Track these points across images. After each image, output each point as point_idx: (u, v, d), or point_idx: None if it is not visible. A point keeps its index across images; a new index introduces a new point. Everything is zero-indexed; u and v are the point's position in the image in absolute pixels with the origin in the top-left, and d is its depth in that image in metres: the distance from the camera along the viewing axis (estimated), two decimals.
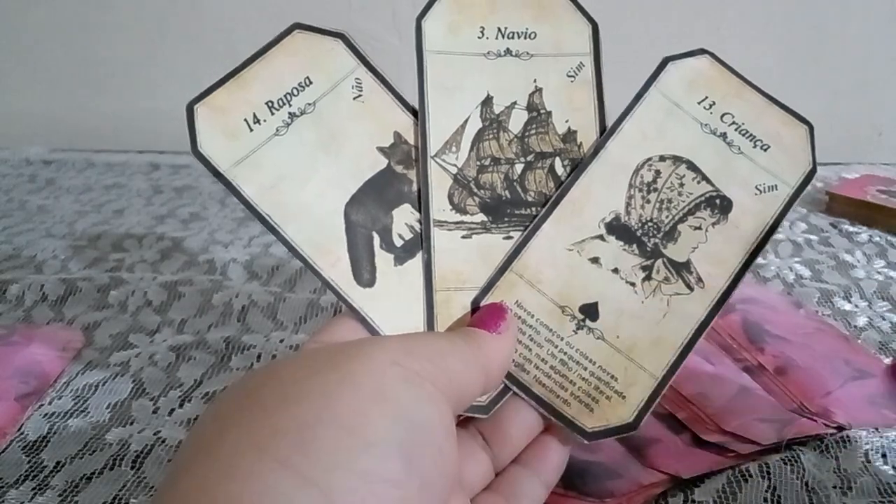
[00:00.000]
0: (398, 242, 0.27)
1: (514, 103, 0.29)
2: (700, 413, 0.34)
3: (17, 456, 0.34)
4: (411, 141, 0.28)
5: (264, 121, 0.27)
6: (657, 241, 0.28)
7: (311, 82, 0.28)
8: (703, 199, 0.28)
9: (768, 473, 0.29)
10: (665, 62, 0.30)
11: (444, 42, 0.29)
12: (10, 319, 0.47)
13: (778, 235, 0.55)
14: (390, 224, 0.27)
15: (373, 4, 0.74)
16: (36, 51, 0.84)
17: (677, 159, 0.29)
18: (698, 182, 0.29)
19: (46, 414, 0.37)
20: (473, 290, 0.27)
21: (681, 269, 0.28)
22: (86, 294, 0.49)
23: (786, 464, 0.30)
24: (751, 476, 0.29)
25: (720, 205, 0.28)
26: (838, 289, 0.47)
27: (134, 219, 0.64)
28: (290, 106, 0.27)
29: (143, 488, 0.32)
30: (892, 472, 0.30)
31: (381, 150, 0.28)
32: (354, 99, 0.28)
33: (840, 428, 0.32)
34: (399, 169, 0.28)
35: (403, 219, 0.28)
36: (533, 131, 0.29)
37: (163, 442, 0.35)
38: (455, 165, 0.28)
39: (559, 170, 0.29)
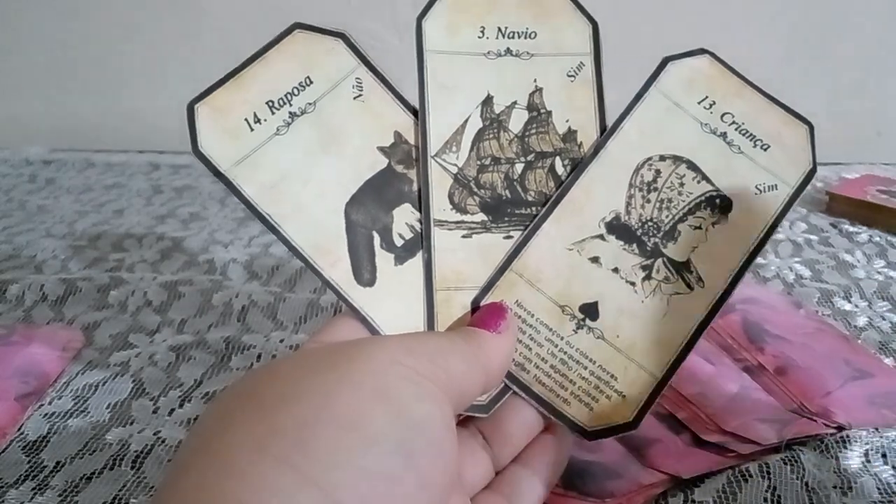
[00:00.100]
0: (398, 242, 0.27)
1: (515, 103, 0.29)
2: (700, 413, 0.34)
3: (17, 456, 0.34)
4: (412, 140, 0.28)
5: (265, 120, 0.27)
6: (657, 240, 0.28)
7: (311, 82, 0.28)
8: (703, 198, 0.28)
9: (768, 473, 0.29)
10: (665, 62, 0.30)
11: (444, 42, 0.29)
12: (10, 319, 0.47)
13: (778, 235, 0.55)
14: (390, 224, 0.27)
15: (372, 4, 0.74)
16: (36, 51, 0.84)
17: (677, 159, 0.29)
18: (698, 182, 0.29)
19: (46, 414, 0.37)
20: (473, 289, 0.27)
21: (681, 268, 0.28)
22: (86, 294, 0.49)
23: (786, 464, 0.30)
24: (751, 476, 0.29)
25: (720, 204, 0.28)
26: (838, 289, 0.47)
27: (134, 219, 0.64)
28: (291, 106, 0.27)
29: (143, 488, 0.32)
30: (892, 472, 0.30)
31: (381, 149, 0.28)
32: (355, 98, 0.28)
33: (840, 428, 0.32)
34: (399, 168, 0.28)
35: (404, 218, 0.28)
36: (533, 131, 0.29)
37: (163, 442, 0.35)
38: (455, 165, 0.28)
39: (559, 169, 0.29)
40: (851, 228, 0.57)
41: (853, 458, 0.31)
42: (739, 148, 0.29)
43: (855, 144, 0.72)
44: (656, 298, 0.27)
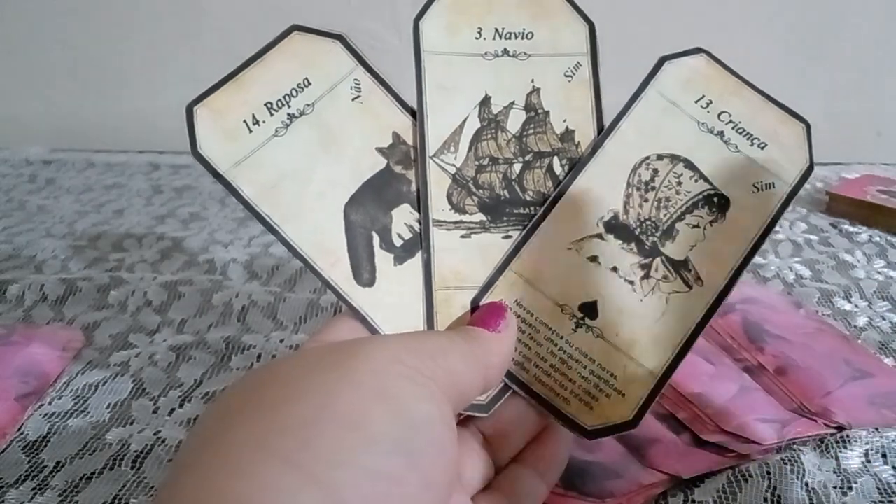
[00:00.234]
0: (398, 242, 0.27)
1: (512, 103, 0.29)
2: (700, 413, 0.34)
3: (17, 456, 0.34)
4: (410, 141, 0.28)
5: (263, 122, 0.27)
6: (655, 239, 0.28)
7: (309, 83, 0.28)
8: (700, 197, 0.28)
9: (768, 473, 0.29)
10: (662, 61, 0.30)
11: (441, 43, 0.29)
12: (10, 319, 0.47)
13: (778, 235, 0.55)
14: (390, 224, 0.27)
15: (372, 4, 0.74)
16: (35, 51, 0.84)
17: (675, 158, 0.29)
18: (696, 180, 0.29)
19: (46, 414, 0.37)
20: (473, 289, 0.27)
21: (679, 267, 0.28)
22: (86, 294, 0.49)
23: (786, 464, 0.30)
24: (751, 476, 0.29)
25: (718, 203, 0.28)
26: (838, 289, 0.47)
27: (134, 219, 0.64)
28: (289, 107, 0.27)
29: (143, 488, 0.32)
30: (892, 472, 0.30)
31: (380, 150, 0.28)
32: (353, 100, 0.28)
33: (840, 428, 0.32)
34: (398, 169, 0.28)
35: (403, 219, 0.28)
36: (531, 131, 0.29)
37: (163, 442, 0.35)
38: (454, 165, 0.28)
39: (557, 169, 0.29)
40: (851, 228, 0.57)
41: (853, 458, 0.31)
42: (737, 147, 0.29)
43: (854, 144, 0.72)
44: (655, 297, 0.27)
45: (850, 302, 0.46)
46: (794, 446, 0.31)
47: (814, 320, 0.42)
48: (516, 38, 0.30)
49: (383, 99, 0.28)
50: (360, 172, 0.27)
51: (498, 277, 0.27)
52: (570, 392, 0.26)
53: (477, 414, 0.25)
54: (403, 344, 0.21)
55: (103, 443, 0.35)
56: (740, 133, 0.29)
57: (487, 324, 0.25)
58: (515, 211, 0.28)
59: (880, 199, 0.58)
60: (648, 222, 0.28)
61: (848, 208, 0.59)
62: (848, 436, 0.32)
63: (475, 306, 0.27)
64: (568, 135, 0.29)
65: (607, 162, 0.29)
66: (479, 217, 0.28)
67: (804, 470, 0.30)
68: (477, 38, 0.30)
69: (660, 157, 0.29)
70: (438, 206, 0.28)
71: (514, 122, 0.29)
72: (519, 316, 0.27)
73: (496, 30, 0.30)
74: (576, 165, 0.29)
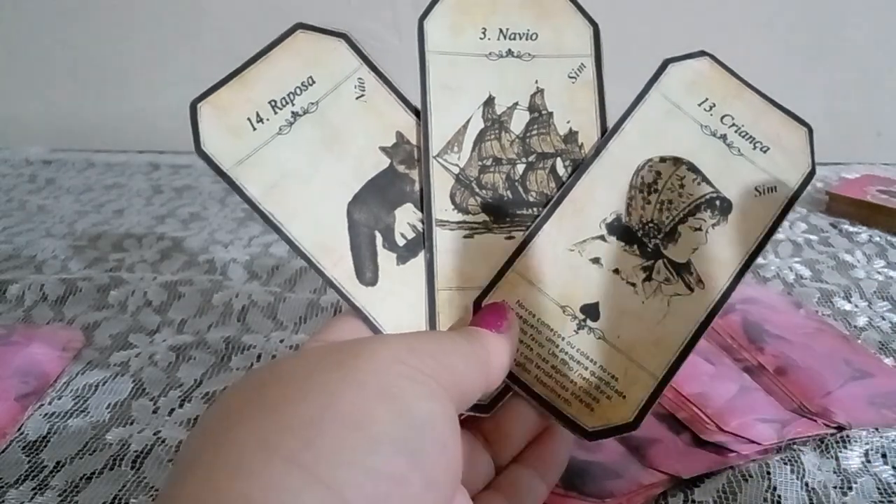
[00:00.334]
0: (401, 242, 0.27)
1: (516, 104, 0.29)
2: (700, 413, 0.34)
3: (17, 456, 0.34)
4: (413, 141, 0.28)
5: (267, 120, 0.27)
6: (658, 241, 0.28)
7: (313, 82, 0.28)
8: (703, 200, 0.28)
9: (768, 473, 0.29)
10: (665, 64, 0.30)
11: (446, 42, 0.29)
12: (10, 319, 0.47)
13: (778, 235, 0.55)
14: (393, 223, 0.27)
15: (373, 4, 0.74)
16: (36, 51, 0.84)
17: (678, 160, 0.29)
18: (698, 183, 0.29)
19: (46, 414, 0.37)
20: (475, 289, 0.27)
21: (681, 269, 0.28)
22: (86, 294, 0.49)
23: (786, 464, 0.30)
24: (751, 476, 0.30)
25: (720, 206, 0.28)
26: (838, 289, 0.47)
27: (134, 219, 0.64)
28: (293, 105, 0.27)
29: (143, 488, 0.32)
30: (892, 472, 0.30)
31: (383, 149, 0.28)
32: (357, 99, 0.28)
33: (840, 428, 0.32)
34: (401, 168, 0.28)
35: (406, 218, 0.28)
36: (534, 132, 0.29)
37: (163, 442, 0.35)
38: (457, 165, 0.28)
39: (560, 170, 0.29)
40: (851, 228, 0.57)
41: (853, 458, 0.31)
42: (739, 150, 0.29)
43: (854, 144, 0.72)
44: (657, 299, 0.27)
45: (850, 302, 0.46)
46: (794, 446, 0.31)
47: (814, 320, 0.42)
48: (520, 38, 0.30)
49: (387, 98, 0.28)
50: (364, 171, 0.27)
51: (500, 278, 0.27)
52: (571, 393, 0.26)
53: (478, 414, 0.25)
54: (406, 344, 0.21)
55: (103, 443, 0.35)
56: (743, 136, 0.29)
57: (490, 324, 0.25)
58: (518, 212, 0.28)
59: (880, 199, 0.58)
60: (651, 225, 0.28)
61: (848, 208, 0.59)
62: (848, 436, 0.32)
63: (477, 307, 0.27)
64: (571, 136, 0.29)
65: (610, 164, 0.29)
66: (482, 217, 0.28)
67: (804, 470, 0.30)
68: (481, 39, 0.30)
69: (663, 160, 0.29)
70: (441, 206, 0.28)
71: (518, 122, 0.29)
72: (521, 317, 0.27)
73: (500, 30, 0.30)
74: (579, 167, 0.29)
